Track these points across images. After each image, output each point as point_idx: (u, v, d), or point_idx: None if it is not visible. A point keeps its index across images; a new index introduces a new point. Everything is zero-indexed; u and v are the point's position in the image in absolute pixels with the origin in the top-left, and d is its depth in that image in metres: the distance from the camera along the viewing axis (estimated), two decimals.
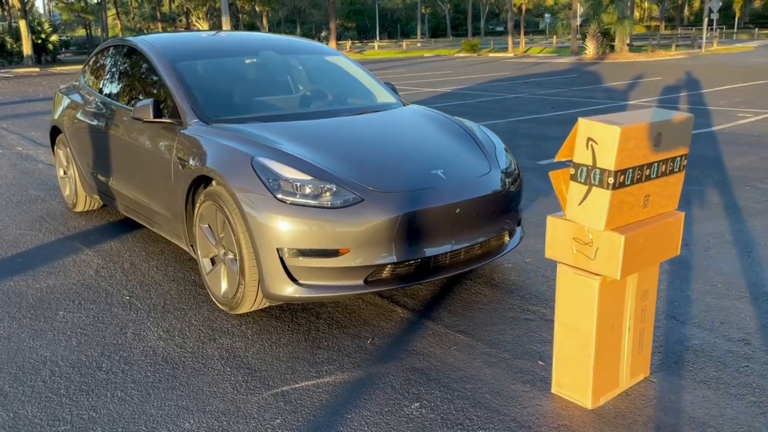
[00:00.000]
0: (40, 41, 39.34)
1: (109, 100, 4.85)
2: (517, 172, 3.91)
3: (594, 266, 2.45)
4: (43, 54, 40.06)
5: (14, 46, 38.51)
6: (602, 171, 2.31)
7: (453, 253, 3.44)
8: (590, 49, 29.89)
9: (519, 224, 3.98)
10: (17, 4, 36.31)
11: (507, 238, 3.82)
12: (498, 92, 15.66)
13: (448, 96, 15.09)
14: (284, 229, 3.14)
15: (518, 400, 2.69)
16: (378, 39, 59.14)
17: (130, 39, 4.89)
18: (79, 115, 5.23)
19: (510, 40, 38.81)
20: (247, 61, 4.67)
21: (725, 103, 12.11)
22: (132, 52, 4.77)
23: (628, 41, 30.52)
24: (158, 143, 4.03)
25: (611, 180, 2.29)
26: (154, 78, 4.30)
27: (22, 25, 36.32)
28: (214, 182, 3.58)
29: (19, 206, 5.94)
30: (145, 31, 53.24)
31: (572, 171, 2.42)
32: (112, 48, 5.19)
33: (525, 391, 2.75)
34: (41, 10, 65.01)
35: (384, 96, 4.70)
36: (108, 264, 4.40)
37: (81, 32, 62.36)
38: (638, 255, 2.44)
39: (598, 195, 2.35)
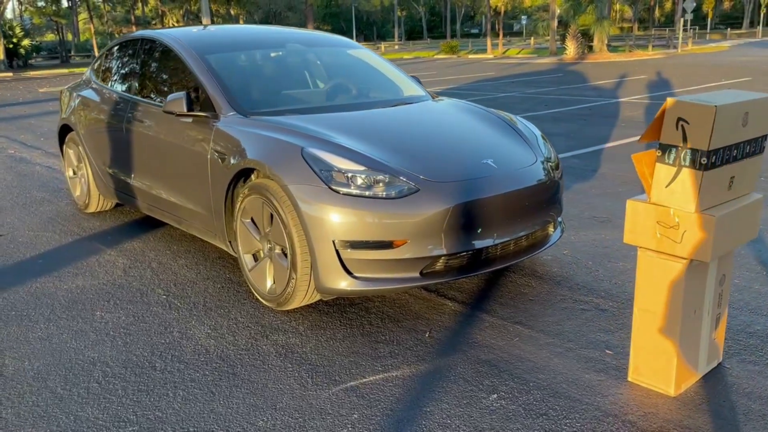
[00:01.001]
0: (11, 45, 38.59)
1: (129, 95, 4.70)
2: (557, 161, 3.87)
3: (680, 250, 2.40)
4: (14, 59, 39.27)
5: None
6: (694, 151, 2.26)
7: (503, 245, 3.38)
8: (570, 49, 30.16)
9: (560, 215, 3.94)
10: None
11: (552, 230, 3.77)
12: (488, 92, 15.69)
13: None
14: (338, 220, 3.05)
15: (596, 389, 2.63)
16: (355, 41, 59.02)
17: (152, 33, 4.76)
18: (93, 113, 5.08)
19: (489, 41, 39.05)
20: (274, 54, 4.57)
21: None
22: (154, 47, 4.63)
23: (606, 42, 30.87)
24: (190, 138, 3.91)
25: (704, 160, 2.25)
26: (183, 72, 4.18)
27: None
28: (254, 175, 3.48)
29: (26, 208, 5.75)
30: (117, 35, 52.47)
31: (659, 152, 2.37)
32: (129, 43, 5.04)
33: (600, 380, 2.70)
34: (10, 15, 63.80)
35: (412, 89, 4.63)
36: (135, 264, 4.25)
37: (51, 37, 61.29)
38: (725, 237, 2.40)
39: (689, 176, 2.30)
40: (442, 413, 2.50)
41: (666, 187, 2.38)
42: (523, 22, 49.27)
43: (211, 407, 2.58)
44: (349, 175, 3.12)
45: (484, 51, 38.89)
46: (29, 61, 41.81)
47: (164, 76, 4.47)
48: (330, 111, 3.94)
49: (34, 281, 3.98)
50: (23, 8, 57.35)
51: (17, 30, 39.80)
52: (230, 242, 3.72)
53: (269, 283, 3.42)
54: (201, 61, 4.05)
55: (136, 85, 4.70)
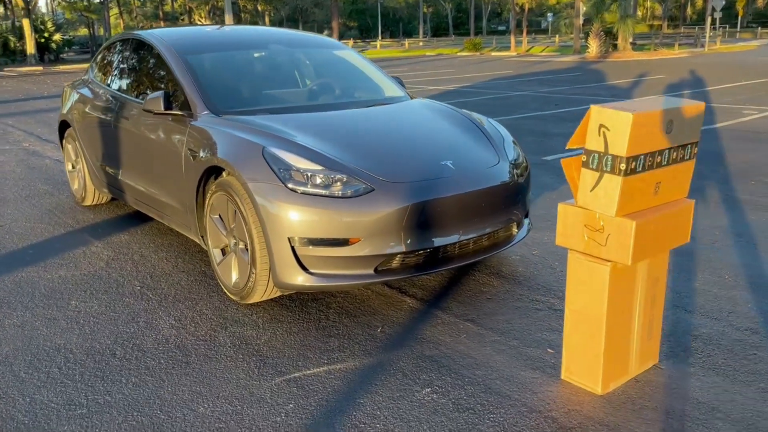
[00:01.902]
0: (43, 40, 39.43)
1: (118, 93, 4.88)
2: (525, 164, 3.94)
3: (605, 252, 2.47)
4: (46, 53, 40.15)
5: (17, 44, 38.65)
6: (614, 157, 2.33)
7: (461, 244, 3.47)
8: (593, 47, 29.90)
9: (527, 216, 4.01)
10: (21, 3, 36.43)
11: (515, 230, 3.85)
12: (501, 90, 15.69)
13: (452, 93, 15.12)
14: (295, 218, 3.17)
15: (528, 386, 2.71)
16: (380, 38, 59.14)
17: (139, 33, 4.93)
18: (87, 109, 5.27)
19: (513, 39, 38.83)
20: (256, 55, 4.70)
21: (729, 101, 12.13)
22: (141, 46, 4.80)
23: (630, 40, 30.53)
24: (168, 135, 4.06)
25: (623, 166, 2.32)
26: (164, 71, 4.34)
27: (26, 23, 36.44)
28: (224, 173, 3.61)
29: (28, 200, 5.98)
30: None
31: (584, 158, 2.45)
32: (120, 42, 5.23)
33: (535, 377, 2.78)
34: (44, 9, 65.17)
35: (392, 89, 4.73)
36: (118, 256, 4.43)
37: (84, 31, 62.48)
38: (649, 241, 2.46)
39: (610, 181, 2.37)
40: (373, 405, 2.61)
41: (591, 191, 2.45)
42: (549, 19, 48.90)
43: (158, 393, 2.72)
44: (308, 174, 3.24)
45: (508, 48, 38.68)
46: (61, 55, 42.69)
47: (148, 75, 4.64)
48: (302, 111, 4.06)
49: (21, 270, 4.18)
50: (56, 3, 58.58)
51: (49, 25, 40.65)
52: (202, 237, 3.87)
53: (234, 277, 3.56)
54: (180, 61, 4.20)
55: (124, 83, 4.88)
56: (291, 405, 2.62)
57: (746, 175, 6.32)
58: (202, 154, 3.68)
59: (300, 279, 3.24)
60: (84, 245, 4.69)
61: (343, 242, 3.21)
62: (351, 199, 3.20)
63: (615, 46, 30.68)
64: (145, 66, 4.72)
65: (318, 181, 3.23)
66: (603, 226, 2.45)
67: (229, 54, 4.58)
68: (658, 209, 2.51)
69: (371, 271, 3.27)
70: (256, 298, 3.46)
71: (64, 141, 5.93)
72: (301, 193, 3.19)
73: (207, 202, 3.68)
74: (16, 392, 2.75)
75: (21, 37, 37.95)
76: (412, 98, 4.65)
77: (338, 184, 3.24)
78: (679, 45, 34.24)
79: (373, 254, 3.23)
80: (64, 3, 50.91)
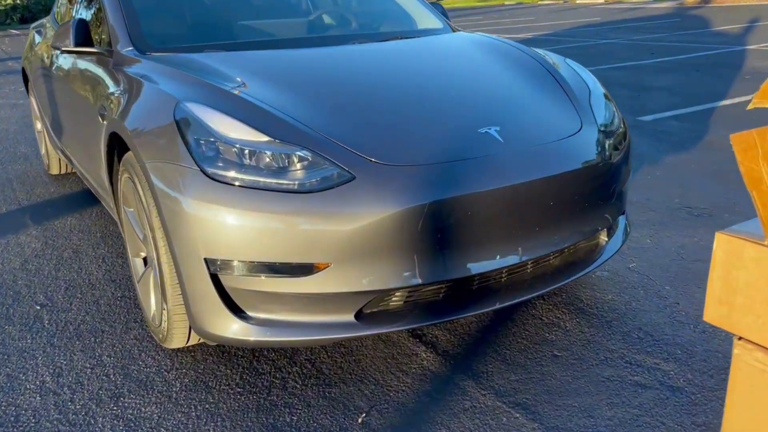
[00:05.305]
0: None
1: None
2: (623, 130, 2.45)
3: None
4: None
5: None
6: None
7: (512, 269, 2.07)
8: None
9: (623, 213, 2.52)
10: None
11: (604, 239, 2.39)
12: (587, 38, 13.69)
13: (529, 42, 13.24)
14: (218, 227, 1.84)
15: None
16: None
17: None
18: (37, 55, 4.10)
19: None
20: None
21: None
22: None
23: None
24: (85, 85, 2.81)
25: None
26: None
27: None
28: None
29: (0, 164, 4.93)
30: None
31: None
32: None
33: None
34: None
35: (426, 20, 3.26)
36: (47, 249, 3.25)
37: None
38: None
39: None
40: None
41: None
42: None
43: None
44: (245, 149, 1.89)
45: None
46: None
47: (87, 6, 3.35)
48: (272, 47, 2.68)
49: None
50: None
51: None
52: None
53: (153, 305, 2.28)
54: None
55: (65, 19, 3.63)
56: None
57: None
58: (108, 113, 2.38)
59: (233, 328, 1.92)
60: (17, 231, 3.54)
61: (303, 269, 1.86)
62: (317, 195, 1.84)
63: None
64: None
65: (262, 161, 1.88)
66: None
67: None
68: None
69: (350, 318, 1.92)
70: (176, 343, 2.18)
71: (29, 94, 4.80)
72: (231, 182, 1.85)
73: (119, 188, 2.40)
74: None
75: None
76: (454, 31, 3.18)
77: (297, 167, 1.88)
78: None
79: (353, 290, 1.87)
80: None
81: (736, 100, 6.29)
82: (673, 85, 7.27)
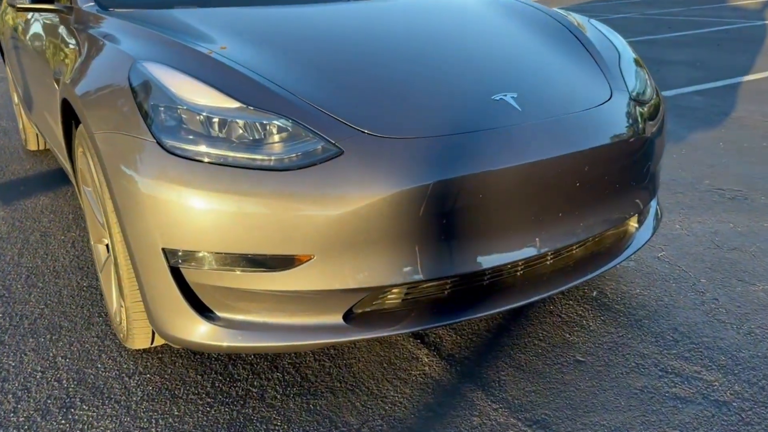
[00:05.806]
0: None
1: None
2: (656, 100, 2.12)
3: None
4: None
5: None
6: None
7: (529, 261, 1.76)
8: None
9: (654, 197, 2.20)
10: None
11: (634, 226, 2.07)
12: (599, 12, 13.23)
13: None
14: (179, 212, 1.53)
15: None
16: None
17: None
18: (5, 22, 3.77)
19: None
20: None
21: None
22: None
23: None
24: (49, 49, 2.48)
25: None
26: None
27: None
28: None
29: None
30: None
31: None
32: None
33: None
34: None
35: None
36: (11, 234, 2.96)
37: None
38: None
39: None
40: None
41: None
42: None
43: None
44: (213, 118, 1.57)
45: None
46: None
47: None
48: (257, 4, 2.34)
49: None
50: None
51: None
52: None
53: (114, 298, 1.98)
54: None
55: None
56: None
57: None
58: (63, 77, 2.06)
59: (200, 332, 1.61)
60: None
61: (280, 262, 1.55)
62: (297, 173, 1.52)
63: None
64: None
65: (233, 132, 1.57)
66: None
67: None
68: None
69: (338, 319, 1.62)
70: (140, 344, 1.88)
71: (5, 63, 4.48)
72: (194, 157, 1.53)
73: (76, 165, 2.10)
74: None
75: None
76: None
77: (273, 139, 1.56)
78: None
79: (340, 287, 1.56)
80: None
81: (761, 75, 5.91)
82: (693, 59, 6.89)
